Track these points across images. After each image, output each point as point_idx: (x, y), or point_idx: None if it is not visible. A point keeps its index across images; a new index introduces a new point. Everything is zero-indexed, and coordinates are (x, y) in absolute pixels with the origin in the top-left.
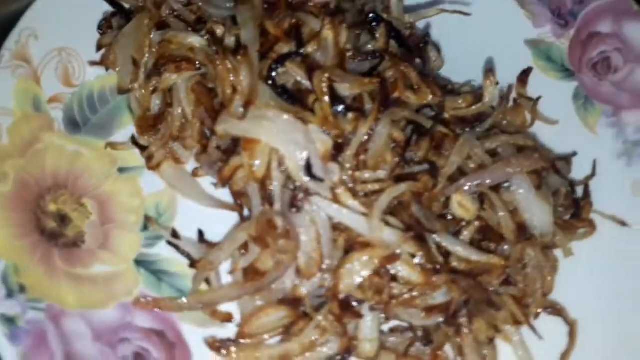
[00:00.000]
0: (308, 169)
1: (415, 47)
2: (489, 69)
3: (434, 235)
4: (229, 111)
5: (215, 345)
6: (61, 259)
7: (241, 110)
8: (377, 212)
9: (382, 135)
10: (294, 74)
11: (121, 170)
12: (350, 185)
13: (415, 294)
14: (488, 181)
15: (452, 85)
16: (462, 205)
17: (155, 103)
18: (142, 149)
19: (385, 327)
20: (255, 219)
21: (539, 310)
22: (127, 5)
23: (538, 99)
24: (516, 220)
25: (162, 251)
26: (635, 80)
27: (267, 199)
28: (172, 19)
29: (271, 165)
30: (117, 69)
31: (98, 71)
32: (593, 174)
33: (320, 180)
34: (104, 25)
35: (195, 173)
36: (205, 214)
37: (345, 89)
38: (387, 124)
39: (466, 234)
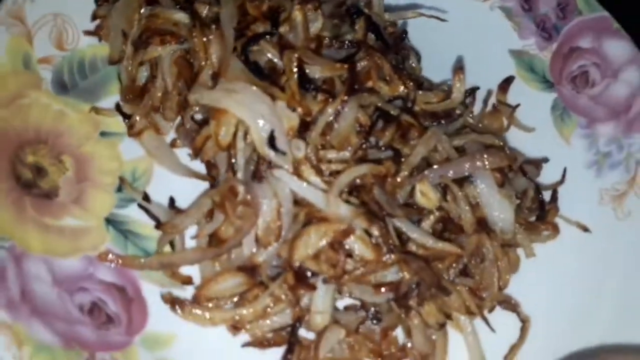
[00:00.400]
0: (271, 141)
1: (393, 44)
2: (459, 67)
3: (394, 220)
4: (199, 81)
5: (171, 300)
6: (32, 206)
7: (209, 80)
8: (335, 188)
9: (348, 117)
10: (267, 53)
11: (103, 134)
12: (314, 162)
13: (366, 269)
14: (451, 173)
15: (430, 83)
16: (424, 194)
17: (143, 75)
18: (126, 117)
19: (341, 305)
20: (219, 186)
21: (494, 304)
22: None
23: (516, 106)
24: (477, 215)
25: (133, 213)
26: (610, 95)
27: (231, 167)
28: None
29: (237, 135)
30: (109, 41)
31: (91, 40)
32: (562, 181)
33: (283, 153)
34: None
35: (173, 144)
36: (179, 183)
37: (317, 72)
38: (354, 107)
39: (427, 223)
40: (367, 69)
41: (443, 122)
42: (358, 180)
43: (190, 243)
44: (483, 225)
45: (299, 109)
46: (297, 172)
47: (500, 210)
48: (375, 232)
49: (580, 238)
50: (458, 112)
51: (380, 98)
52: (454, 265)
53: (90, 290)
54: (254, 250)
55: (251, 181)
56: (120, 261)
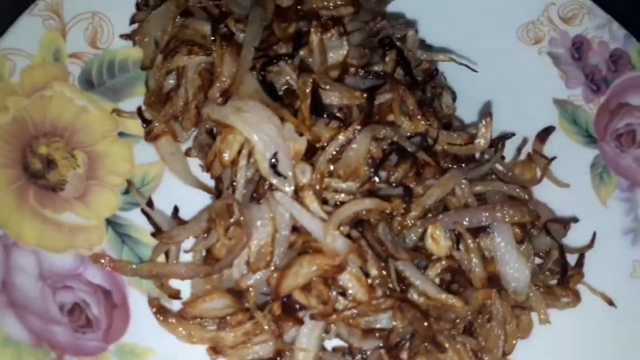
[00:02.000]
0: (273, 163)
1: (422, 80)
2: (488, 113)
3: (399, 263)
4: (209, 95)
5: (157, 305)
6: (35, 197)
7: (217, 95)
8: (335, 219)
9: (360, 147)
10: (286, 75)
11: (120, 134)
12: (318, 189)
13: (357, 311)
14: (466, 220)
15: (463, 124)
16: (435, 239)
17: (170, 83)
18: (145, 121)
19: (330, 346)
20: (215, 203)
21: None
22: None
23: (552, 158)
24: (489, 270)
25: (135, 217)
26: None
27: (231, 185)
28: (197, 9)
29: (240, 153)
30: (143, 46)
31: (124, 41)
32: (591, 245)
33: (284, 177)
34: (142, 2)
35: (187, 153)
36: (186, 194)
37: (335, 99)
38: (366, 137)
39: (433, 270)
40: (389, 102)
41: (464, 165)
42: (363, 215)
43: (186, 257)
44: (495, 281)
45: (307, 134)
46: (299, 198)
47: (515, 268)
48: (374, 271)
49: (604, 311)
50: (486, 157)
51: (396, 132)
52: (457, 320)
53: (76, 289)
54: (244, 273)
55: (249, 202)
56: (111, 264)
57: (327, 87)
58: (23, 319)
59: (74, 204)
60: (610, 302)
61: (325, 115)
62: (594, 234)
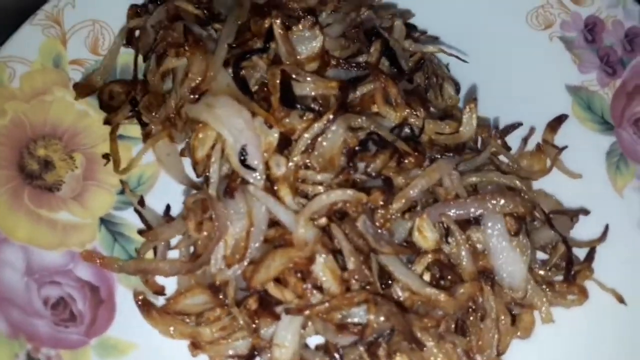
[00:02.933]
0: (242, 157)
1: (409, 70)
2: (473, 98)
3: (382, 257)
4: (181, 93)
5: (143, 299)
6: (30, 197)
7: (187, 93)
8: (307, 211)
9: (334, 137)
10: (260, 70)
11: (119, 137)
12: (292, 181)
13: (330, 305)
14: (453, 212)
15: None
16: (421, 231)
17: (168, 86)
18: (143, 125)
19: (312, 343)
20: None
21: None
22: None
23: (563, 148)
24: (481, 264)
25: (128, 216)
26: None
27: (205, 181)
28: (186, 14)
29: (214, 149)
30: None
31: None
32: (602, 238)
33: (253, 169)
34: (138, 8)
35: (182, 153)
36: (180, 194)
37: (311, 90)
38: (340, 127)
39: (419, 265)
40: (372, 92)
41: (455, 156)
42: (342, 207)
43: (175, 254)
44: (488, 277)
45: (276, 126)
46: (274, 191)
47: (509, 262)
48: (351, 265)
49: (613, 310)
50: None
51: (373, 121)
52: (445, 318)
53: (63, 285)
54: (222, 267)
55: (224, 197)
56: (100, 261)
57: (300, 78)
58: (3, 310)
59: (69, 204)
60: (621, 300)
61: (298, 107)
62: (606, 227)
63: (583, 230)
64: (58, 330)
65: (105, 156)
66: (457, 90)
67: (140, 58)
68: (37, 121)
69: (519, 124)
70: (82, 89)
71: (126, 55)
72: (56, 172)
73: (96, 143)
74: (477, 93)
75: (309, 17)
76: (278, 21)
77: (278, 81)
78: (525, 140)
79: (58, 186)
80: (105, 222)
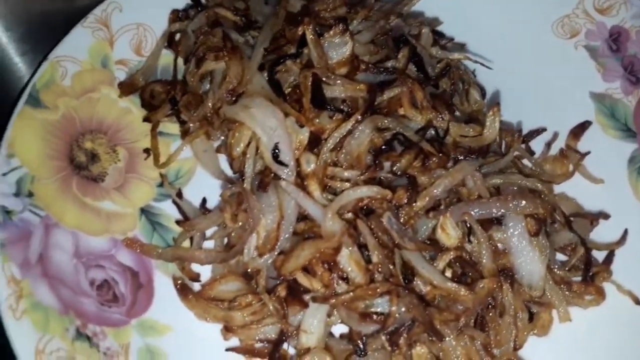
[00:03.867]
0: (275, 154)
1: (435, 76)
2: (496, 103)
3: (406, 252)
4: (219, 95)
5: (181, 284)
6: (77, 186)
7: (225, 95)
8: (335, 205)
9: (361, 137)
10: (293, 73)
11: (159, 133)
12: (321, 178)
13: (355, 294)
14: (476, 212)
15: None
16: (444, 229)
17: (206, 87)
18: (182, 122)
19: (337, 332)
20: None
21: None
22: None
23: (586, 153)
24: (501, 262)
25: (166, 207)
26: None
27: (241, 176)
28: (225, 20)
29: (250, 146)
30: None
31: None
32: (621, 241)
33: (285, 165)
34: (180, 13)
35: (218, 149)
36: (216, 187)
37: (341, 92)
38: (368, 127)
39: (441, 261)
40: (399, 96)
41: (479, 158)
42: (368, 203)
43: (210, 243)
44: (508, 275)
45: (307, 126)
46: (304, 186)
47: (528, 261)
48: (375, 258)
49: (630, 311)
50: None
51: (399, 122)
52: (465, 312)
53: (107, 268)
54: (254, 256)
55: (257, 191)
56: (140, 248)
57: (330, 81)
58: (55, 288)
59: (112, 194)
60: (638, 302)
61: (328, 107)
62: (626, 231)
63: (604, 233)
64: (102, 309)
65: (146, 151)
66: (483, 96)
67: (180, 60)
68: (85, 116)
69: (543, 129)
70: (126, 88)
71: (167, 57)
72: (101, 164)
73: (138, 138)
74: (503, 98)
75: (340, 24)
76: (310, 27)
77: (309, 84)
78: (548, 145)
79: (102, 177)
80: (146, 212)
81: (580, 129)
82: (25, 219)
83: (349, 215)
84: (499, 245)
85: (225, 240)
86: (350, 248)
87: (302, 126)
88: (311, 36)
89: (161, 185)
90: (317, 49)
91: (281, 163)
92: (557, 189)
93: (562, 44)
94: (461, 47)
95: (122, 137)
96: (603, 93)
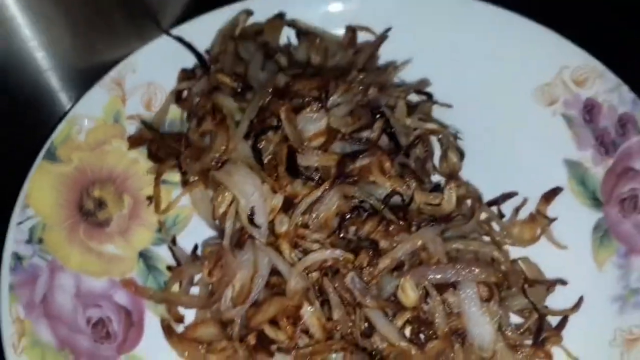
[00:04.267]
0: (250, 216)
1: (407, 146)
2: (455, 179)
3: (367, 309)
4: (205, 162)
5: (167, 325)
6: (84, 231)
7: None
8: (300, 265)
9: (330, 203)
10: (273, 143)
11: (163, 181)
12: (292, 238)
13: (313, 349)
14: (433, 277)
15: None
16: (404, 290)
17: (207, 141)
18: (183, 173)
19: None
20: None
21: None
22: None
23: (554, 219)
24: (455, 324)
25: (162, 251)
26: None
27: (220, 234)
28: (225, 85)
29: (230, 207)
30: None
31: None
32: (574, 309)
33: (258, 227)
34: (188, 72)
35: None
36: (208, 235)
37: (314, 161)
38: (336, 195)
39: (399, 320)
40: (369, 165)
41: (435, 223)
42: (333, 263)
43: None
44: (459, 335)
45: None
46: (276, 245)
47: (478, 324)
48: (335, 315)
49: None
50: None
51: (365, 192)
52: None
53: (104, 308)
54: (229, 306)
55: (233, 248)
56: (136, 289)
57: (305, 151)
58: (54, 326)
59: (115, 238)
60: None
61: (301, 176)
62: (581, 297)
63: (563, 299)
64: (95, 346)
65: (149, 198)
66: (462, 158)
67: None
68: (96, 167)
69: (515, 194)
70: (135, 141)
71: (174, 112)
72: (108, 211)
73: (143, 187)
74: (481, 161)
75: (315, 104)
76: (284, 109)
77: (284, 155)
78: (517, 210)
79: (108, 223)
80: (143, 255)
81: (552, 194)
82: (34, 264)
83: (314, 274)
84: (453, 308)
85: (210, 287)
86: (311, 306)
87: (275, 192)
88: (285, 117)
89: (160, 230)
90: (290, 128)
91: (255, 225)
92: (522, 252)
93: (542, 110)
94: (448, 107)
95: (128, 186)
96: (576, 161)
